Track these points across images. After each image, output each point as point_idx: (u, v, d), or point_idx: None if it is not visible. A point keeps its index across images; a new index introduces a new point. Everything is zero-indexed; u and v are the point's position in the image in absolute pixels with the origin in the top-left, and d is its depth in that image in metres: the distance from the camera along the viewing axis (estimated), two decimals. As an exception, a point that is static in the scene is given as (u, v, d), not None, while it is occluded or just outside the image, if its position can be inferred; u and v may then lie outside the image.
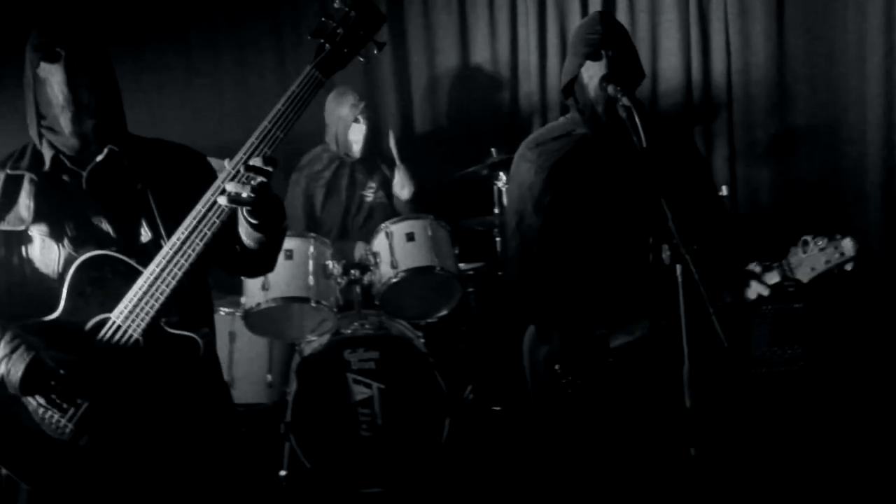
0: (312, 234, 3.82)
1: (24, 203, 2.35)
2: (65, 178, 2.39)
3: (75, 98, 2.30)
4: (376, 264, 3.82)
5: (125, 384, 2.29)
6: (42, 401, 2.26)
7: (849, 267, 2.48)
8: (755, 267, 2.63)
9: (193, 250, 2.24)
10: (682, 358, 2.31)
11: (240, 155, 2.23)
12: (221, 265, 2.48)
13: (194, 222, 2.24)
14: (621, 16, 4.80)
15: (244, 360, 3.97)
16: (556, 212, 2.88)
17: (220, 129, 4.65)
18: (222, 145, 3.00)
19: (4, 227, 2.34)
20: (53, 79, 2.30)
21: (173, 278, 2.24)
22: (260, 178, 2.14)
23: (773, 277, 2.59)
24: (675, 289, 2.32)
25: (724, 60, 4.68)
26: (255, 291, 3.65)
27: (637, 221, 2.69)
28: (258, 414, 4.01)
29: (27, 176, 2.37)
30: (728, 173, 4.67)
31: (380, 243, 3.86)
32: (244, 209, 2.20)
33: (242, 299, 3.70)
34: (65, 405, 2.27)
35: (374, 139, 4.47)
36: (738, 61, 4.67)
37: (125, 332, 2.27)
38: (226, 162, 2.24)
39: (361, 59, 2.33)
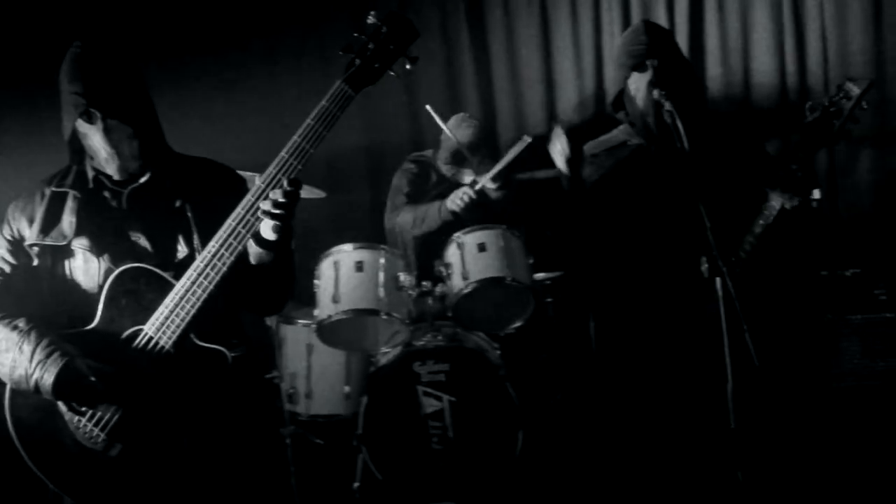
0: (384, 246, 3.82)
1: (67, 219, 2.46)
2: (106, 195, 2.49)
3: (118, 153, 2.41)
4: (448, 275, 3.80)
5: (156, 394, 2.35)
6: (74, 408, 2.35)
7: None
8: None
9: (224, 264, 2.30)
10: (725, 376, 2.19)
11: (270, 170, 2.29)
12: (240, 299, 2.51)
13: (224, 235, 2.30)
14: (710, 16, 4.64)
15: (322, 372, 4.00)
16: (606, 222, 2.82)
17: (255, 143, 4.71)
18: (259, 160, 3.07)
19: (48, 241, 2.44)
20: (93, 136, 2.40)
21: (204, 291, 2.30)
22: (287, 201, 2.22)
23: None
24: (715, 302, 2.21)
25: (821, 62, 4.49)
26: (326, 304, 3.68)
27: (683, 229, 2.59)
28: (336, 425, 4.04)
29: (71, 193, 2.49)
30: (826, 177, 4.43)
31: (452, 254, 3.83)
32: (268, 225, 2.26)
33: (315, 311, 3.74)
34: (97, 413, 2.35)
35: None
36: (835, 61, 4.46)
37: (157, 343, 2.33)
38: (256, 177, 2.29)
39: (392, 74, 2.34)
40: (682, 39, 4.66)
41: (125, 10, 4.48)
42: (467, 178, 4.27)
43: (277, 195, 2.23)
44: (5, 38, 4.15)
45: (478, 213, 4.12)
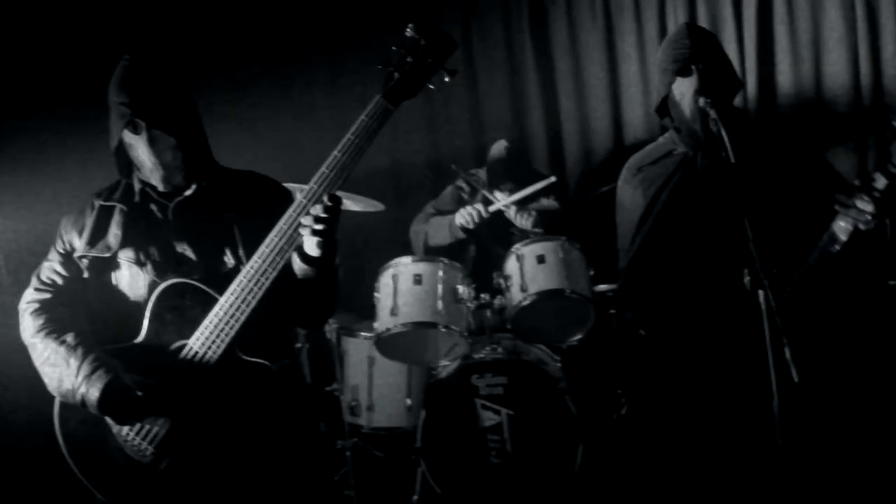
0: (442, 259, 3.81)
1: (113, 232, 2.51)
2: (152, 207, 2.54)
3: (163, 164, 2.45)
4: (507, 288, 3.77)
5: (202, 409, 2.39)
6: (120, 422, 2.39)
7: None
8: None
9: (267, 279, 2.32)
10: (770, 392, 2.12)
11: (311, 185, 2.31)
12: (284, 312, 2.52)
13: (267, 251, 2.32)
14: (779, 17, 4.52)
15: (383, 384, 4.02)
16: (656, 237, 2.77)
17: (300, 156, 4.69)
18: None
19: (94, 253, 2.50)
20: (139, 147, 2.44)
21: (248, 306, 2.33)
22: (328, 216, 2.23)
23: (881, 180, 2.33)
24: (758, 316, 2.15)
25: (896, 63, 4.31)
26: (385, 316, 3.69)
27: (728, 240, 2.52)
28: (398, 438, 4.05)
29: (118, 207, 2.54)
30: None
31: (511, 266, 3.80)
32: (311, 240, 2.27)
33: (375, 324, 3.75)
34: (144, 427, 2.39)
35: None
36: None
37: (202, 357, 2.36)
38: (298, 192, 2.31)
39: (432, 87, 2.34)
40: (750, 41, 4.57)
41: (174, 27, 4.56)
42: (501, 198, 4.24)
43: (318, 210, 2.24)
44: (60, 56, 4.26)
45: (502, 234, 4.18)
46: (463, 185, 4.41)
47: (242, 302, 2.34)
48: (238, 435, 2.41)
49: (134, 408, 2.36)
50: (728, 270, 2.44)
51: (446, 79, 2.34)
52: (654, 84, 4.68)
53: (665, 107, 2.82)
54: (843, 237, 2.40)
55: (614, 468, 3.88)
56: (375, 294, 3.80)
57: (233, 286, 2.35)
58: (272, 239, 2.33)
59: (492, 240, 4.27)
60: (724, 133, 2.37)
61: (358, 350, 4.04)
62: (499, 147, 4.37)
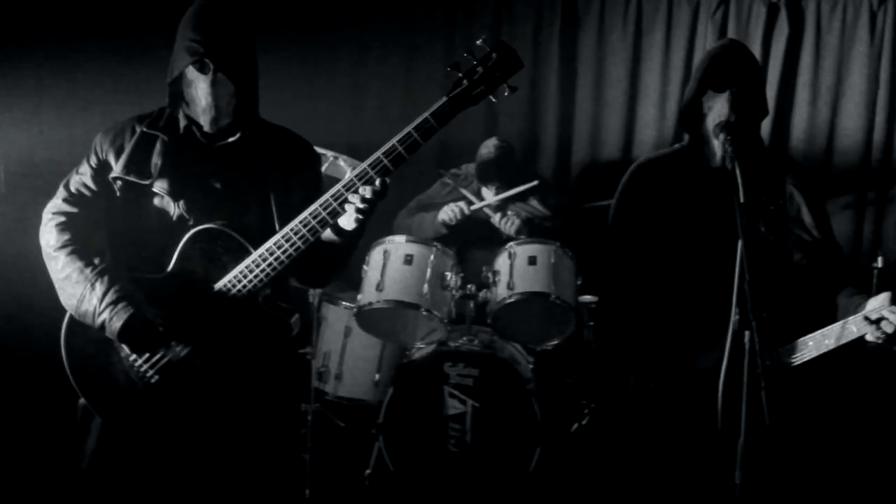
0: (436, 244, 3.83)
1: (154, 160, 2.57)
2: (194, 145, 2.60)
3: (217, 106, 2.52)
4: (494, 283, 3.79)
5: (214, 350, 2.52)
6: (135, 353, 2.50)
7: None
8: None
9: (302, 241, 2.44)
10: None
11: (365, 167, 2.38)
12: (294, 268, 2.61)
13: (309, 217, 2.42)
14: (804, 64, 4.56)
15: (355, 356, 4.03)
16: (649, 237, 2.82)
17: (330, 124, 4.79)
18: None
19: (131, 177, 2.55)
20: (199, 85, 2.51)
21: (278, 262, 2.45)
22: (375, 199, 2.34)
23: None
24: (741, 355, 2.18)
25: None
26: (370, 290, 3.71)
27: (721, 269, 2.56)
28: (360, 410, 4.08)
29: (160, 137, 2.59)
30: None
31: (502, 262, 3.83)
32: (350, 216, 2.38)
33: (359, 296, 3.77)
34: (154, 355, 2.51)
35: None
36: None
37: (226, 302, 2.49)
38: (349, 169, 2.38)
39: (493, 100, 2.40)
40: (773, 79, 4.61)
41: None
42: (487, 196, 4.27)
43: (367, 192, 2.33)
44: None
45: (485, 234, 4.25)
46: (448, 181, 4.44)
47: (275, 259, 2.45)
48: (236, 378, 2.55)
49: (152, 342, 2.47)
50: (715, 300, 2.48)
51: (506, 93, 2.39)
52: (672, 94, 4.76)
53: (689, 114, 2.84)
54: (850, 338, 2.46)
55: (567, 476, 3.93)
56: (364, 267, 3.83)
57: (268, 243, 2.45)
58: (315, 208, 2.41)
59: (475, 239, 4.31)
60: (738, 171, 2.40)
61: (337, 318, 4.06)
62: (488, 145, 4.36)
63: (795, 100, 4.64)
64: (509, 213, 4.26)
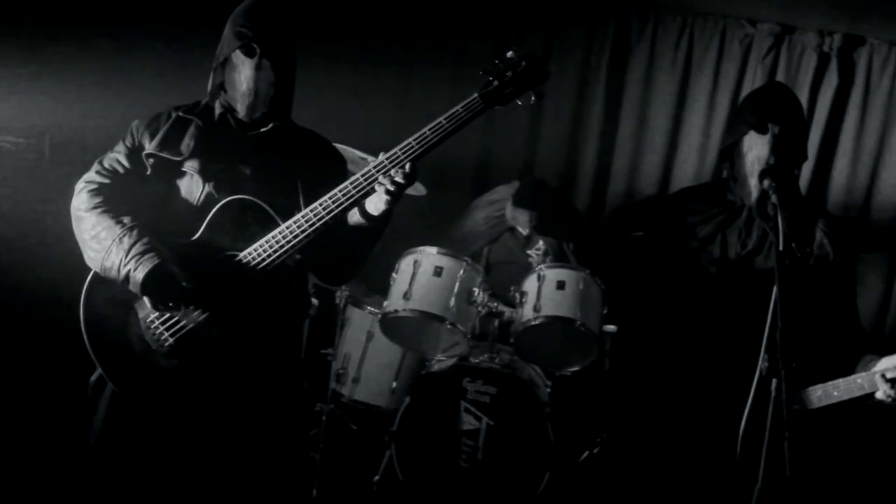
0: (467, 258, 3.84)
1: (186, 141, 2.65)
2: (227, 131, 2.68)
3: (256, 92, 2.62)
4: (521, 303, 3.80)
5: (233, 318, 2.56)
6: (155, 305, 2.50)
7: None
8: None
9: (328, 213, 2.49)
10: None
11: (396, 151, 2.47)
12: (315, 260, 2.70)
13: (339, 193, 2.48)
14: (850, 118, 4.56)
15: (375, 362, 4.06)
16: (679, 271, 2.82)
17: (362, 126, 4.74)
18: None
19: (164, 154, 2.63)
20: (243, 69, 2.60)
21: (304, 234, 2.50)
22: (405, 182, 2.43)
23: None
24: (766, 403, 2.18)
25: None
26: (397, 298, 3.73)
27: (743, 309, 2.56)
28: (373, 416, 4.09)
29: (195, 121, 2.68)
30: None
31: (530, 284, 3.83)
32: (380, 198, 2.45)
33: (385, 302, 3.79)
34: (172, 318, 2.54)
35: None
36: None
37: (250, 270, 2.53)
38: (381, 154, 2.47)
39: (519, 103, 2.53)
40: (817, 129, 4.62)
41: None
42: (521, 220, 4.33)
43: (398, 175, 2.42)
44: None
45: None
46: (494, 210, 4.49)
47: (302, 231, 2.50)
48: (251, 353, 2.58)
49: (174, 296, 2.48)
50: (742, 344, 2.48)
51: (533, 99, 2.53)
52: (716, 133, 4.75)
53: (729, 151, 2.85)
54: (859, 394, 2.48)
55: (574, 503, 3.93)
56: (393, 274, 3.84)
57: (297, 216, 2.51)
58: (346, 185, 2.48)
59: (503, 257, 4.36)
60: (780, 220, 2.40)
61: (360, 322, 4.08)
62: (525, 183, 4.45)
63: (838, 149, 4.64)
64: (540, 243, 4.30)
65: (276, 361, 2.69)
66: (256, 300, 2.56)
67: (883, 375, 2.41)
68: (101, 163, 2.67)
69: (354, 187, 2.47)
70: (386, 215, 2.52)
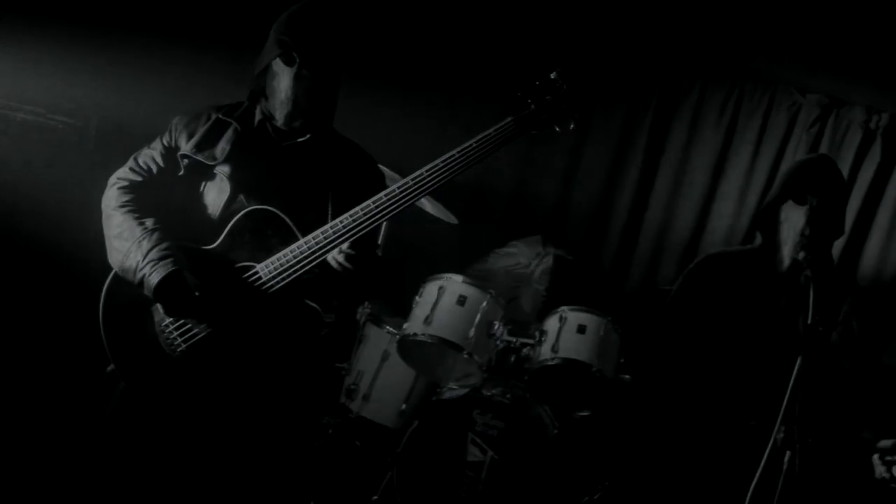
0: (491, 291, 3.86)
1: (222, 145, 2.65)
2: (264, 139, 2.67)
3: (295, 101, 2.61)
4: (540, 342, 3.80)
5: (245, 329, 2.54)
6: (168, 312, 2.51)
7: None
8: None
9: (351, 235, 2.45)
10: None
11: (423, 171, 2.43)
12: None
13: (361, 212, 2.44)
14: (891, 193, 4.59)
15: (387, 381, 4.07)
16: (699, 326, 2.82)
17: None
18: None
19: (198, 157, 2.63)
20: (283, 78, 2.60)
21: (324, 253, 2.46)
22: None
23: None
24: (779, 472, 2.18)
25: None
26: (417, 322, 3.74)
27: (763, 374, 2.56)
28: (379, 435, 4.09)
29: (234, 125, 2.68)
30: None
31: (551, 324, 3.83)
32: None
33: (405, 325, 3.80)
34: (186, 325, 2.53)
35: None
36: None
37: (264, 284, 2.51)
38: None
39: (557, 130, 2.44)
40: (854, 203, 4.61)
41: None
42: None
43: (340, 256, 2.44)
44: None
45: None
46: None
47: (320, 249, 2.46)
48: (263, 365, 2.56)
49: (186, 304, 2.48)
50: (748, 403, 2.48)
51: (572, 126, 2.43)
52: (752, 195, 4.75)
53: (766, 217, 2.86)
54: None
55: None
56: (416, 297, 3.85)
57: (316, 233, 2.47)
58: (368, 204, 2.44)
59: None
60: (812, 293, 2.40)
61: (378, 340, 4.09)
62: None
63: (874, 225, 4.62)
64: None
65: (286, 375, 2.68)
66: (265, 316, 2.54)
67: (880, 455, 2.40)
68: (136, 159, 2.69)
69: (378, 206, 2.42)
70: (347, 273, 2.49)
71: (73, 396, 3.70)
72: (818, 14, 3.79)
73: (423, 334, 3.69)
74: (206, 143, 2.65)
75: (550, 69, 2.41)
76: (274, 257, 2.51)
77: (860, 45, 3.98)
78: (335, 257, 2.43)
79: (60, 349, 3.97)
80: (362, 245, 2.45)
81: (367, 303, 4.06)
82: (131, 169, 2.67)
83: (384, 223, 2.85)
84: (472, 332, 3.70)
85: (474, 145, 2.40)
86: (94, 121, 4.29)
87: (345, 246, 2.40)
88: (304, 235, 2.50)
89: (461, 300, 3.77)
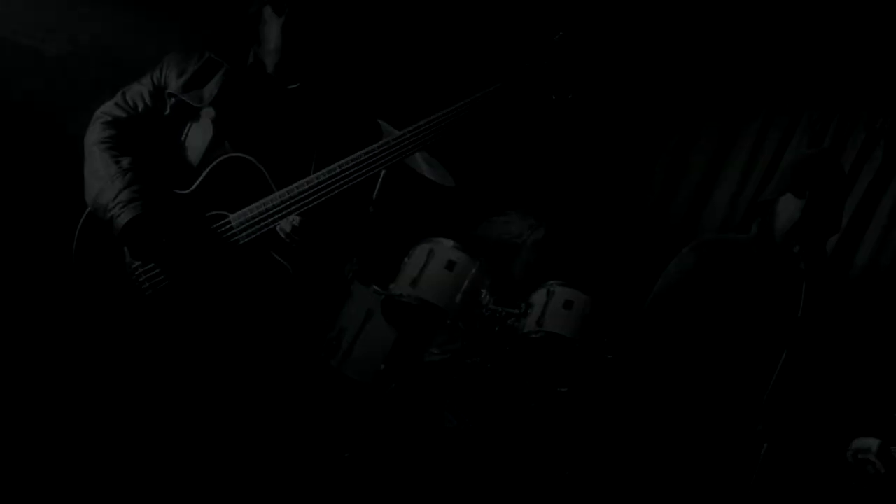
0: (482, 258, 3.81)
1: (210, 88, 2.59)
2: (253, 83, 2.62)
3: (284, 49, 2.56)
4: (526, 314, 3.77)
5: (211, 277, 2.49)
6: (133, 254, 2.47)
7: None
8: None
9: (325, 194, 2.40)
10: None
11: (406, 131, 2.40)
12: None
13: (337, 169, 2.39)
14: (891, 193, 4.53)
15: (369, 340, 4.05)
16: (690, 311, 2.80)
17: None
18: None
19: (185, 97, 2.58)
20: (272, 26, 2.55)
21: (297, 209, 2.42)
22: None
23: None
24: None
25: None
26: (403, 283, 3.70)
27: (751, 364, 2.54)
28: (357, 391, 4.07)
29: (225, 67, 2.62)
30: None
31: (538, 297, 3.79)
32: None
33: (391, 285, 3.76)
34: (154, 270, 2.49)
35: None
36: None
37: (234, 234, 2.46)
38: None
39: (553, 98, 2.38)
40: (853, 200, 4.56)
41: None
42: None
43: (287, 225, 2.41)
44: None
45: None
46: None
47: (293, 204, 2.41)
48: (226, 317, 2.52)
49: (151, 249, 2.44)
50: (732, 393, 2.47)
51: (570, 96, 2.36)
52: (751, 186, 4.72)
53: (763, 208, 2.84)
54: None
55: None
56: (405, 259, 3.81)
57: (291, 187, 2.42)
58: (347, 162, 2.39)
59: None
60: (804, 288, 2.38)
61: (362, 298, 4.07)
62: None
63: (872, 221, 4.58)
64: None
65: (254, 329, 2.63)
66: (231, 267, 2.50)
67: (851, 456, 2.41)
68: (123, 94, 2.64)
69: (354, 164, 2.38)
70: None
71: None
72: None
73: (409, 296, 3.65)
74: (194, 84, 2.60)
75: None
76: (247, 208, 2.47)
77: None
78: (283, 228, 2.40)
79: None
80: (319, 216, 2.42)
81: (355, 259, 4.02)
82: (117, 104, 2.62)
83: (381, 176, 2.80)
84: (458, 298, 3.66)
85: (461, 107, 2.37)
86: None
87: (295, 217, 2.36)
88: (284, 187, 2.45)
89: (450, 265, 3.72)
